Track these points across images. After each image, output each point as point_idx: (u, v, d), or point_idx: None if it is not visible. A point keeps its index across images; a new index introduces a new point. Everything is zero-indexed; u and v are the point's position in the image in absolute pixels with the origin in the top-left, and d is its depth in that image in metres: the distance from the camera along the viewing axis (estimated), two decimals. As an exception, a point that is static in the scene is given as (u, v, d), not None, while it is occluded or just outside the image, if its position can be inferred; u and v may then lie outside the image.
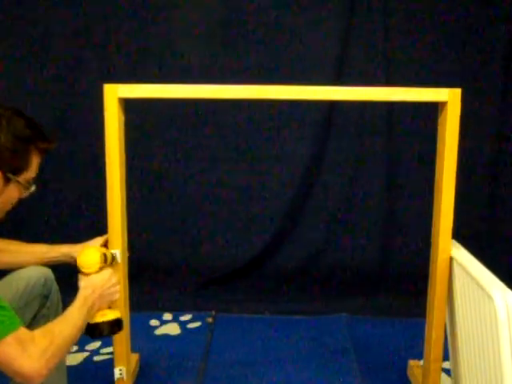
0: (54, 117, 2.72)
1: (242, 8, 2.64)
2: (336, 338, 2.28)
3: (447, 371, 1.89)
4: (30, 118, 1.40)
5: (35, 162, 1.42)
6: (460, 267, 1.58)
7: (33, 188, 1.40)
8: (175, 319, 2.46)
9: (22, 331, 1.18)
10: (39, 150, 1.41)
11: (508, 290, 1.31)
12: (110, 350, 2.09)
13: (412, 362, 2.02)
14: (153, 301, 2.57)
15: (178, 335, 2.32)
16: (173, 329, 2.38)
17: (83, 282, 1.47)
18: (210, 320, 2.42)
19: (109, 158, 1.63)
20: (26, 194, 1.39)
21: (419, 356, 1.93)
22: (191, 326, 2.40)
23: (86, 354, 2.14)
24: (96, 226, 2.64)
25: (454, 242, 1.68)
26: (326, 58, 2.68)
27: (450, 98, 1.58)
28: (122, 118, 1.66)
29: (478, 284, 1.40)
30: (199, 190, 2.75)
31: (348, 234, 2.82)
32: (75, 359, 2.10)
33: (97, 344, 2.21)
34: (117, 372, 1.76)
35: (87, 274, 1.49)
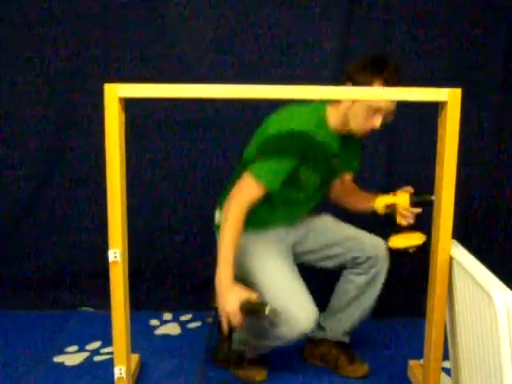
0: (54, 117, 2.72)
1: (243, 8, 2.64)
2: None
3: (447, 371, 1.89)
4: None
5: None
6: (460, 267, 1.58)
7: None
8: (175, 319, 2.46)
9: (259, 190, 1.70)
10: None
11: (508, 289, 1.31)
12: (110, 350, 2.09)
13: (412, 362, 2.02)
14: (153, 301, 2.56)
15: (178, 335, 2.33)
16: (173, 329, 2.38)
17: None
18: (210, 320, 2.42)
19: (109, 158, 1.63)
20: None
21: (419, 356, 1.93)
22: (191, 325, 2.40)
23: (86, 354, 2.14)
24: (96, 226, 2.66)
25: (453, 241, 1.68)
26: (325, 57, 2.67)
27: (450, 97, 1.58)
28: (122, 118, 1.66)
29: (477, 284, 1.40)
30: (200, 189, 2.75)
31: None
32: (75, 359, 2.11)
33: (97, 344, 2.21)
34: (117, 371, 1.75)
35: None
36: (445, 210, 1.64)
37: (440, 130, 1.65)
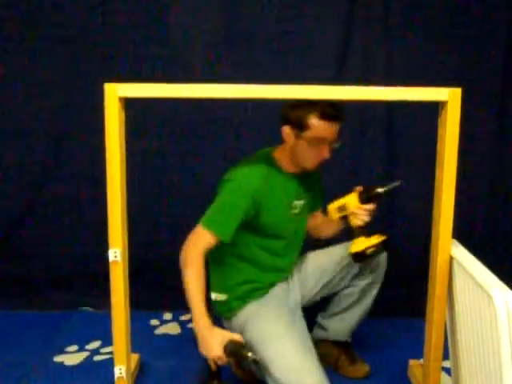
0: (54, 117, 2.73)
1: (243, 7, 2.65)
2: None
3: (447, 370, 1.89)
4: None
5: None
6: (460, 267, 1.58)
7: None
8: (175, 319, 2.46)
9: (211, 239, 1.71)
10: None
11: (508, 289, 1.31)
12: (109, 349, 2.09)
13: (412, 362, 2.02)
14: (153, 301, 2.56)
15: (178, 335, 2.33)
16: (173, 328, 2.38)
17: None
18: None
19: (109, 157, 1.63)
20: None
21: (419, 356, 1.93)
22: (191, 325, 2.40)
23: (86, 354, 2.14)
24: (96, 225, 2.66)
25: (454, 241, 1.68)
26: (326, 57, 2.68)
27: (450, 97, 1.58)
28: (123, 118, 1.66)
29: (477, 283, 1.40)
30: (200, 189, 2.75)
31: (347, 234, 2.81)
32: (75, 359, 2.11)
33: (97, 344, 2.21)
34: (117, 371, 1.76)
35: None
36: (445, 209, 1.64)
37: (440, 130, 1.65)
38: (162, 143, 2.76)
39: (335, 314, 2.04)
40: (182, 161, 2.76)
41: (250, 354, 1.59)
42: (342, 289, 2.01)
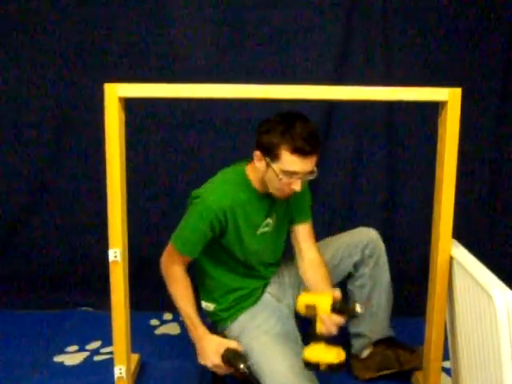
0: (54, 116, 2.72)
1: (242, 8, 2.65)
2: (336, 337, 2.27)
3: (447, 371, 1.89)
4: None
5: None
6: (460, 267, 1.58)
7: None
8: (175, 319, 2.46)
9: (182, 256, 1.73)
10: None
11: (508, 289, 1.31)
12: (110, 349, 2.09)
13: (412, 362, 2.02)
14: (153, 301, 2.56)
15: (178, 335, 2.33)
16: (173, 329, 2.38)
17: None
18: (209, 320, 2.42)
19: (109, 158, 1.63)
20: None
21: (419, 356, 1.93)
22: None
23: (86, 354, 2.14)
24: (96, 226, 2.66)
25: (454, 241, 1.68)
26: (326, 57, 2.68)
27: (450, 97, 1.58)
28: (123, 118, 1.66)
29: (477, 283, 1.41)
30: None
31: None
32: (75, 359, 2.11)
33: (97, 344, 2.21)
34: (117, 371, 1.76)
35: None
36: (445, 209, 1.64)
37: (440, 130, 1.65)
38: (162, 142, 2.76)
39: (364, 314, 1.87)
40: (183, 160, 2.76)
41: (241, 366, 1.57)
42: (347, 280, 1.96)
